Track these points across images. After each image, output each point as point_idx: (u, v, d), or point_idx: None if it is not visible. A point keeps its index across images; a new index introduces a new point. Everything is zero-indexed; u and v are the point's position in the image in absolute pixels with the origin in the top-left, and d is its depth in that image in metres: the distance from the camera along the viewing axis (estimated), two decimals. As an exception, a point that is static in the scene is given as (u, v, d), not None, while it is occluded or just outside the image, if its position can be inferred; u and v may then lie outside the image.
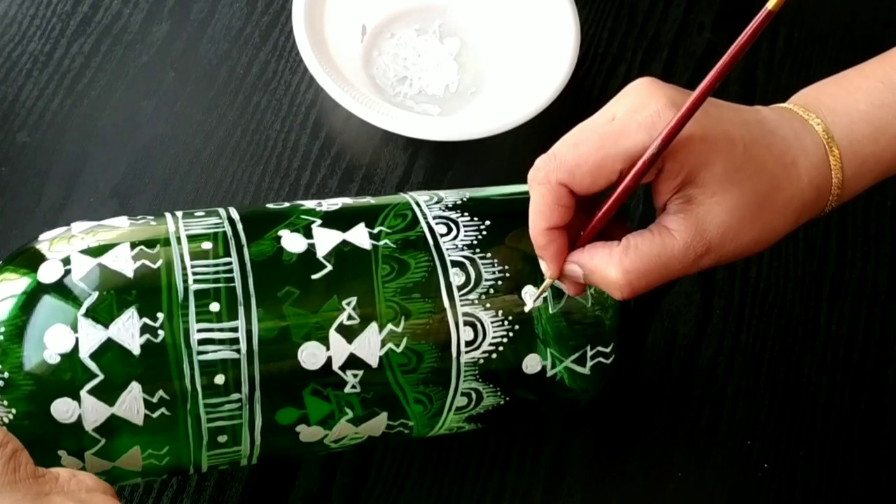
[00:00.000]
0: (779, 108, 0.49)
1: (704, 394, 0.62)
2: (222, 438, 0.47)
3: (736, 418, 0.62)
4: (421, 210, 0.51)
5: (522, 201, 0.49)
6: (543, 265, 0.48)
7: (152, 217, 0.50)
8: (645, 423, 0.61)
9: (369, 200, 0.53)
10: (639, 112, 0.44)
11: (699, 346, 0.64)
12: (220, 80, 0.70)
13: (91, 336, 0.44)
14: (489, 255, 0.50)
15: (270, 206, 0.52)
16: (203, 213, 0.50)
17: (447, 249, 0.50)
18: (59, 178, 0.65)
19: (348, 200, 0.52)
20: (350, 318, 0.47)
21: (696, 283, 0.66)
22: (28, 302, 0.45)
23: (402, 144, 0.69)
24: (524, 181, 0.69)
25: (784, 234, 0.48)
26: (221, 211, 0.51)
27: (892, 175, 0.50)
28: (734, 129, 0.46)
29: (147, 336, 0.45)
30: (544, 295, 0.50)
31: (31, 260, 0.46)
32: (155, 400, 0.45)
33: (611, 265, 0.45)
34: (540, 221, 0.46)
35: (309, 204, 0.52)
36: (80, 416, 0.44)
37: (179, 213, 0.50)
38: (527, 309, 0.49)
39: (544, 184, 0.46)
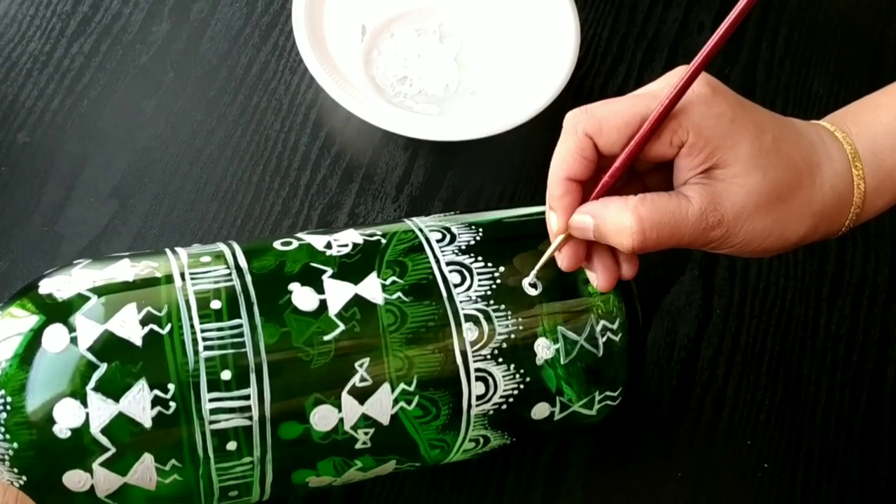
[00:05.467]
0: (807, 121, 0.50)
1: (704, 394, 0.62)
2: (233, 493, 0.47)
3: (736, 418, 0.62)
4: (434, 254, 0.50)
5: (535, 237, 0.50)
6: (553, 218, 0.47)
7: (154, 260, 0.48)
8: (645, 423, 0.61)
9: (379, 238, 0.50)
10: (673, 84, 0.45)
11: (699, 346, 0.64)
12: (220, 80, 0.70)
13: (101, 411, 0.43)
14: (503, 306, 0.49)
15: (278, 244, 0.50)
16: (209, 258, 0.48)
17: (461, 302, 0.48)
18: (59, 178, 0.65)
19: (357, 238, 0.50)
20: (362, 379, 0.46)
21: (696, 283, 0.66)
22: (35, 371, 0.44)
23: (402, 144, 0.69)
24: (524, 181, 0.69)
25: (797, 238, 0.48)
26: (227, 252, 0.49)
27: None
28: (765, 121, 0.47)
29: (158, 408, 0.44)
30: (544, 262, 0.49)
31: (35, 322, 0.45)
32: (167, 468, 0.44)
33: (626, 211, 0.45)
34: (560, 169, 0.47)
35: (318, 243, 0.50)
36: (92, 486, 0.44)
37: (184, 256, 0.48)
38: (528, 281, 0.49)
39: (571, 134, 0.46)
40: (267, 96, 0.69)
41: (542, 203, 0.52)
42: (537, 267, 0.49)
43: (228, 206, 0.65)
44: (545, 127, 0.67)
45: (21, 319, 0.45)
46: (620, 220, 0.45)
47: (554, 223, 0.47)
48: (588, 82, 0.73)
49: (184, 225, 0.64)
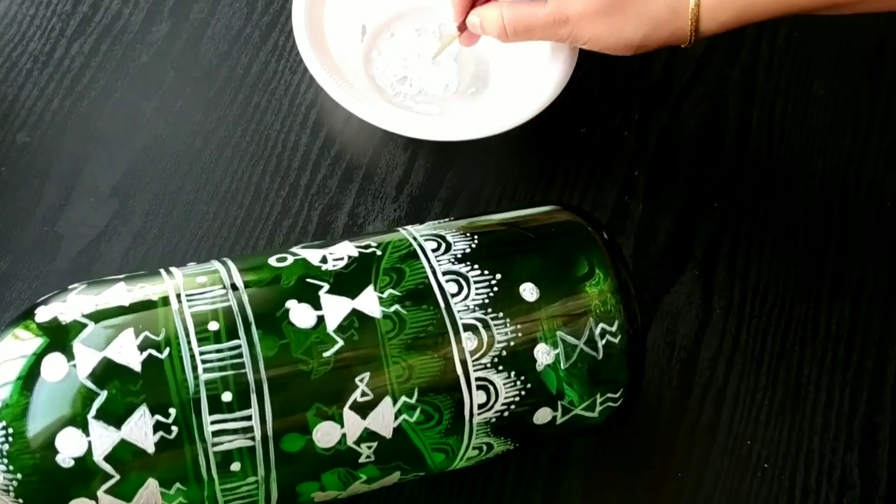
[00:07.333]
0: None
1: (704, 394, 0.62)
2: None
3: (736, 418, 0.62)
4: (429, 263, 0.49)
5: (532, 241, 0.50)
6: (453, 13, 0.66)
7: (149, 282, 0.48)
8: (645, 423, 0.61)
9: (374, 249, 0.50)
10: None
11: (699, 346, 0.64)
12: (220, 80, 0.70)
13: (104, 439, 0.43)
14: (501, 314, 0.49)
15: (273, 261, 0.50)
16: (205, 279, 0.48)
17: (458, 312, 0.48)
18: (59, 178, 0.65)
19: (352, 250, 0.50)
20: (364, 394, 0.46)
21: (696, 283, 0.66)
22: (35, 401, 0.43)
23: (402, 144, 0.69)
24: (524, 181, 0.69)
25: (639, 40, 0.60)
26: (222, 270, 0.49)
27: (757, 16, 0.59)
28: None
29: (161, 433, 0.43)
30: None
31: (34, 350, 0.45)
32: (172, 492, 0.44)
33: (495, 12, 0.63)
34: None
35: (313, 258, 0.50)
36: None
37: (179, 277, 0.48)
38: (432, 57, 0.68)
39: None
40: (267, 96, 0.69)
41: (542, 203, 0.52)
42: (441, 48, 0.67)
43: (228, 206, 0.65)
44: (545, 127, 0.67)
45: (20, 345, 0.45)
46: (493, 19, 0.63)
47: (457, 20, 0.66)
48: (588, 82, 0.73)
49: (184, 225, 0.64)
